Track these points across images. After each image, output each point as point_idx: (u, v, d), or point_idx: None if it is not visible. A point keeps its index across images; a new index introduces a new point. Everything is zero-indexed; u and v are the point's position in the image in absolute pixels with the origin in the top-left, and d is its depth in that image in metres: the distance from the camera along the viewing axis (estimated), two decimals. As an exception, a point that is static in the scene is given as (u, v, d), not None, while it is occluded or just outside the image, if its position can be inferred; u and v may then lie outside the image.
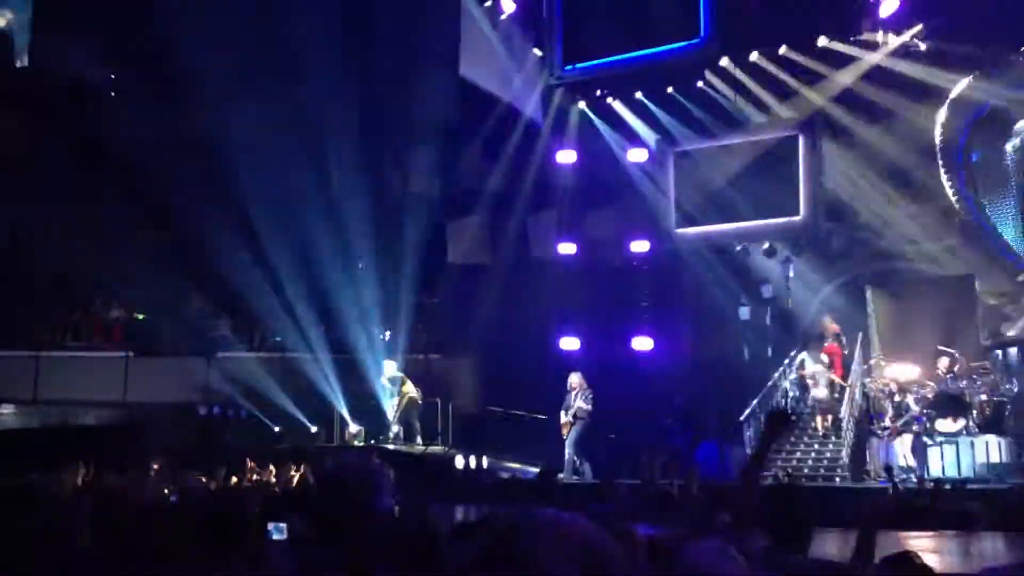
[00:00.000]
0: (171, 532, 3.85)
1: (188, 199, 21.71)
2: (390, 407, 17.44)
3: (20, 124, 26.00)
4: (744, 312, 17.31)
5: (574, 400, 15.05)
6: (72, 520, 3.95)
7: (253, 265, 22.67)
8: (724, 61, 17.59)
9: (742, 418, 14.79)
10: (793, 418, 4.05)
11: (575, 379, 15.26)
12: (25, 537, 3.66)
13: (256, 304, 20.72)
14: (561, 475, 14.21)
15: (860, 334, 16.25)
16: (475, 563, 1.80)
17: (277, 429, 18.57)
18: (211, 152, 22.17)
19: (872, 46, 16.34)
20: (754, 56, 17.33)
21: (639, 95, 18.54)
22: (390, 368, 17.56)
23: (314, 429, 18.08)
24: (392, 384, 17.41)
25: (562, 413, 15.17)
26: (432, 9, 20.08)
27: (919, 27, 15.88)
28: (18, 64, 25.29)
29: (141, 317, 21.48)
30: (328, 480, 3.19)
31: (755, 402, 15.01)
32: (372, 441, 17.43)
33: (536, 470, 13.77)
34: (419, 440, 16.96)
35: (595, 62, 18.85)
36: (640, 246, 18.41)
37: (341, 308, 19.14)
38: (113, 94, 26.11)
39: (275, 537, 6.71)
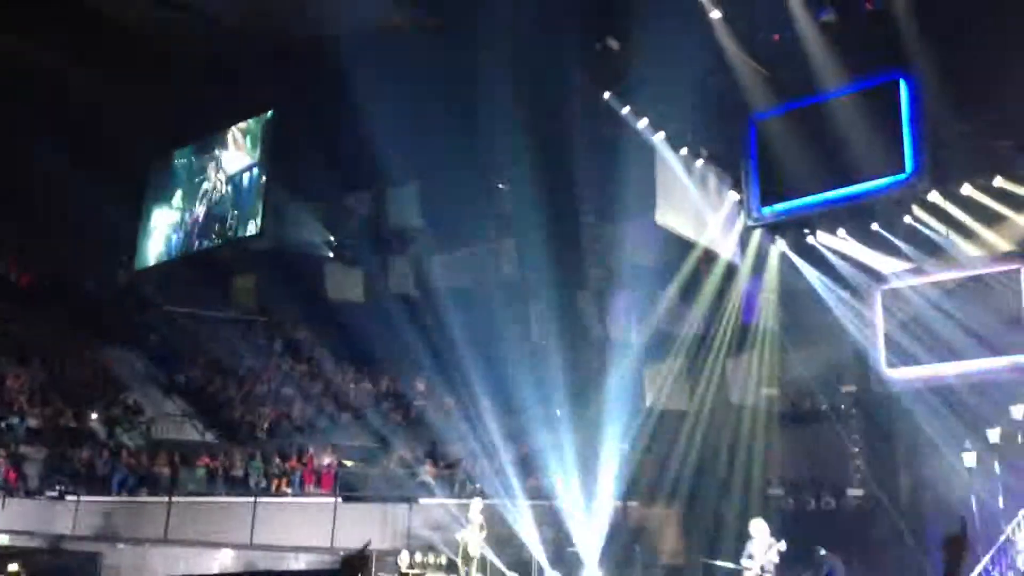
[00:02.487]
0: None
1: (393, 351, 22.69)
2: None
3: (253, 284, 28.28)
4: (969, 458, 15.91)
5: (762, 549, 14.09)
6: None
7: (455, 413, 23.19)
8: (933, 195, 16.84)
9: None
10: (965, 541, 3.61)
11: (762, 527, 14.36)
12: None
13: (457, 451, 21.08)
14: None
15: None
16: None
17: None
18: (415, 306, 23.22)
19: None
20: (966, 189, 16.53)
21: (842, 232, 18.00)
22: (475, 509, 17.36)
23: (513, 577, 17.78)
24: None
25: (743, 560, 14.22)
26: (628, 159, 20.47)
27: None
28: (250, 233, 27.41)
29: (350, 464, 22.16)
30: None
31: (986, 559, 13.58)
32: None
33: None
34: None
35: (793, 203, 18.47)
36: (849, 388, 17.50)
37: (539, 454, 19.07)
38: (331, 255, 27.99)
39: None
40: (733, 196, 19.29)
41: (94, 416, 23.50)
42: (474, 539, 17.25)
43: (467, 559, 17.41)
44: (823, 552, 14.44)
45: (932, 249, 17.06)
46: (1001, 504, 15.48)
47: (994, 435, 16.00)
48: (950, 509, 15.74)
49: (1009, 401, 16.19)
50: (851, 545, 15.22)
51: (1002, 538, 14.19)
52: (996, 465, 15.91)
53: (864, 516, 16.33)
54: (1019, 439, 15.81)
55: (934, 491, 16.18)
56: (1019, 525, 14.73)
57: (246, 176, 26.31)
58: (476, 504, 17.66)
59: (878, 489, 16.50)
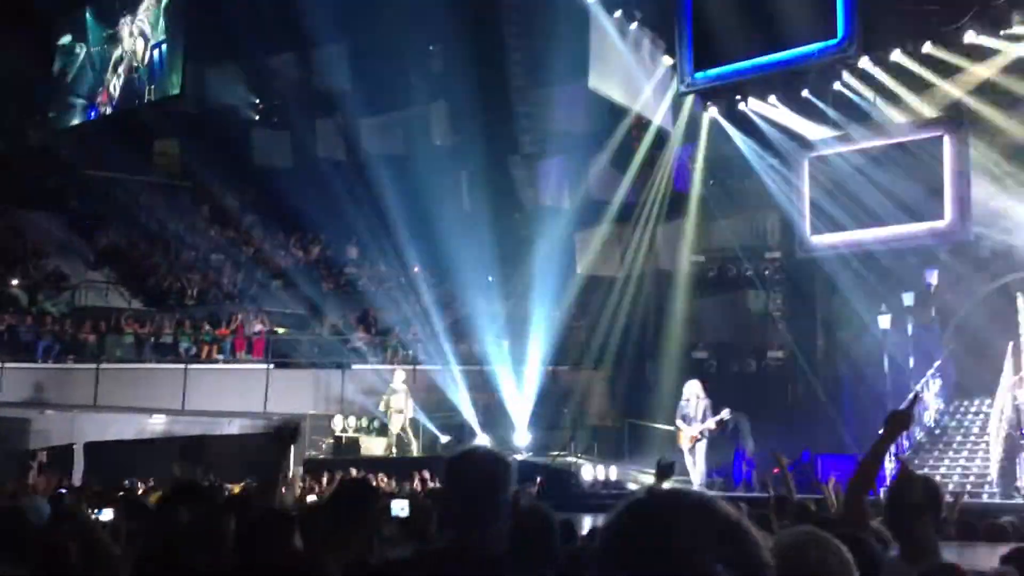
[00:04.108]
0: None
1: (323, 217, 22.46)
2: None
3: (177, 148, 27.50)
4: (884, 321, 16.50)
5: (700, 412, 14.49)
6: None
7: (386, 280, 23.18)
8: (863, 61, 16.86)
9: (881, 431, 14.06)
10: (910, 417, 3.82)
11: (698, 388, 14.77)
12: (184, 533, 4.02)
13: (389, 317, 21.18)
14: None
15: (1011, 344, 15.25)
16: (607, 540, 1.58)
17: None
18: (344, 171, 22.89)
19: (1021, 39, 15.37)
20: (896, 55, 16.57)
21: (773, 99, 18.02)
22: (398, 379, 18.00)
23: (444, 439, 18.21)
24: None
25: (679, 422, 14.67)
26: (561, 22, 20.06)
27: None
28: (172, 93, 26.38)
29: (281, 331, 22.14)
30: (453, 470, 3.04)
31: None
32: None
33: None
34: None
35: (726, 68, 18.31)
36: (774, 254, 17.86)
37: (471, 320, 19.27)
38: (257, 118, 27.27)
39: (396, 514, 7.02)
40: (667, 61, 19.08)
41: (14, 282, 22.87)
42: (398, 403, 17.65)
43: (394, 423, 17.86)
44: (729, 411, 15.04)
45: (860, 116, 17.19)
46: (911, 364, 16.21)
47: (908, 299, 16.58)
48: (863, 370, 16.43)
49: (925, 265, 16.74)
50: (770, 404, 15.85)
51: (911, 396, 14.86)
52: (909, 327, 16.56)
53: (783, 378, 16.97)
54: (930, 304, 16.41)
55: (849, 352, 16.81)
56: (927, 384, 15.50)
57: (163, 45, 25.20)
58: (399, 374, 18.06)
59: (797, 351, 17.09)
